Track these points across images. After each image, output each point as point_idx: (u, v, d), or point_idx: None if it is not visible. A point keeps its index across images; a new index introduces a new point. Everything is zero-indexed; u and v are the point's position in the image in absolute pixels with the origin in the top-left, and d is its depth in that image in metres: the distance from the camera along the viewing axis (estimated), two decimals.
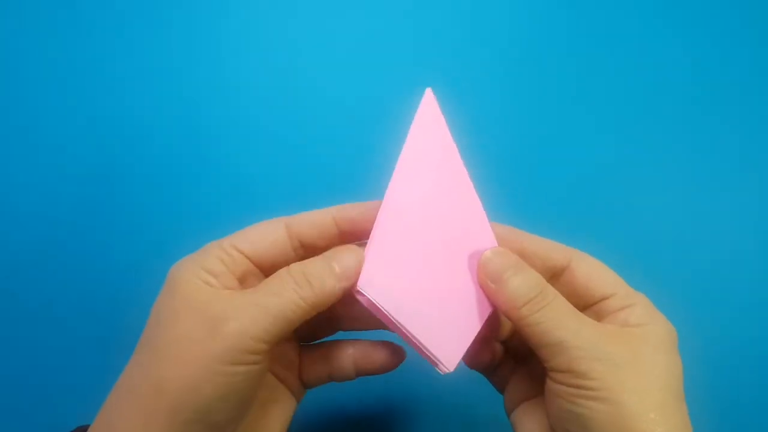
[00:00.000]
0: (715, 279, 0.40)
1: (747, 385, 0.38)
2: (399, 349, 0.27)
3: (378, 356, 0.26)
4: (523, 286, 0.23)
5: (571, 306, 0.24)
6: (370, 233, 0.25)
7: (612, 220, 0.42)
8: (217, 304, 0.21)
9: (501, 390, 0.29)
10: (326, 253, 0.24)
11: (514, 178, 0.42)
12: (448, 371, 0.25)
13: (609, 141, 0.44)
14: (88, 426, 0.22)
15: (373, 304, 0.23)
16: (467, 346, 0.25)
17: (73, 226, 0.40)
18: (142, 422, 0.20)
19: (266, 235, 0.24)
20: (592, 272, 0.25)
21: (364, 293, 0.23)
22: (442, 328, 0.25)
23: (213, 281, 0.22)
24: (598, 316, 0.25)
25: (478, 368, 0.29)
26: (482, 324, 0.26)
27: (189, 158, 0.42)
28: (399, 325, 0.24)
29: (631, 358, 0.22)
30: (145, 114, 0.43)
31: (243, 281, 0.24)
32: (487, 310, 0.26)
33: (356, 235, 0.25)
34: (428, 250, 0.25)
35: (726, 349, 0.39)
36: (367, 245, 0.24)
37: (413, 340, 0.24)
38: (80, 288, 0.39)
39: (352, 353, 0.27)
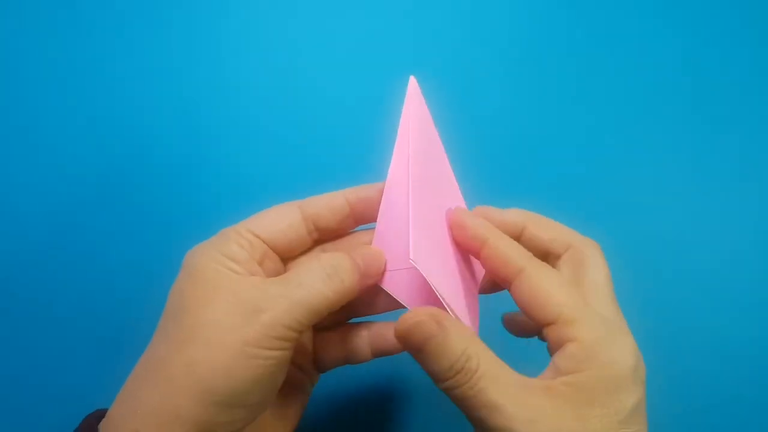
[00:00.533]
0: (715, 280, 0.40)
1: (748, 387, 0.38)
2: None
3: (393, 336, 0.26)
4: (443, 362, 0.21)
5: (497, 369, 0.21)
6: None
7: (611, 219, 0.41)
8: (248, 291, 0.22)
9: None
10: (351, 249, 0.24)
11: (513, 176, 0.42)
12: None
13: (608, 140, 0.44)
14: (105, 410, 0.22)
15: (401, 283, 0.25)
16: (477, 314, 0.26)
17: (72, 227, 0.40)
18: (171, 402, 0.20)
19: (281, 219, 0.25)
20: (538, 291, 0.22)
21: (416, 266, 0.22)
22: (463, 301, 0.25)
23: (237, 268, 0.23)
24: (550, 349, 0.23)
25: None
26: (477, 295, 0.26)
27: (189, 158, 0.42)
28: (440, 298, 0.23)
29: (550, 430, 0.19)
30: (145, 114, 0.43)
31: (261, 264, 0.24)
32: (478, 283, 0.26)
33: (369, 216, 0.26)
34: (439, 227, 0.25)
35: (727, 350, 0.38)
36: (405, 221, 0.24)
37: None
38: (80, 288, 0.39)
39: (367, 334, 0.27)
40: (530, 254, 0.23)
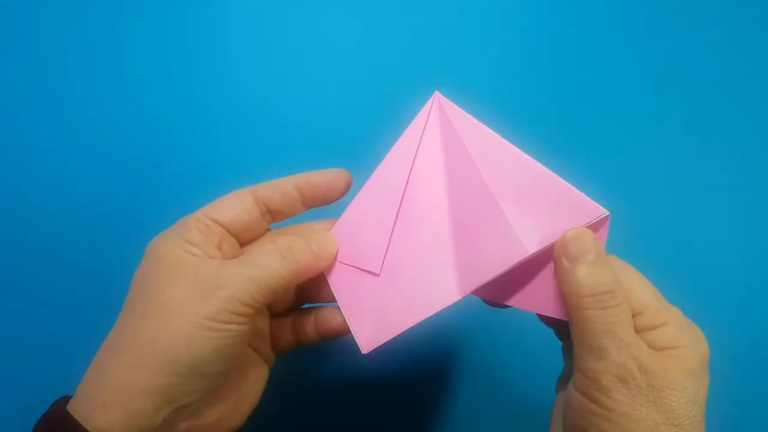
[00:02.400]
0: (723, 280, 0.39)
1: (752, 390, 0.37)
2: None
3: (335, 320, 0.28)
4: (596, 277, 0.22)
5: (630, 317, 0.22)
6: (328, 200, 0.27)
7: (619, 220, 0.40)
8: (206, 271, 0.23)
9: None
10: (305, 233, 0.27)
11: None
12: (363, 352, 0.26)
13: (614, 141, 0.43)
14: (70, 397, 0.23)
15: (344, 277, 0.27)
16: (390, 338, 0.26)
17: (71, 227, 0.40)
18: (136, 375, 0.22)
19: (236, 203, 0.26)
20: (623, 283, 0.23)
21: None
22: (374, 313, 0.26)
23: (196, 251, 0.24)
24: None
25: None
26: (416, 322, 0.26)
27: (187, 156, 0.42)
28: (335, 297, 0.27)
29: (652, 387, 0.21)
30: (145, 113, 0.42)
31: (219, 248, 0.26)
32: (425, 313, 0.26)
33: (316, 201, 0.27)
34: (389, 237, 0.26)
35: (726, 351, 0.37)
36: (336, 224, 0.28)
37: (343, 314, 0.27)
38: (77, 289, 0.38)
39: (313, 319, 0.29)
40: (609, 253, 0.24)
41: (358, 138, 0.40)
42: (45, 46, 0.43)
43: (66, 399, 0.23)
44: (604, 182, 0.40)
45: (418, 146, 0.26)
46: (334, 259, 0.27)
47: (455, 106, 0.26)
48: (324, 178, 0.27)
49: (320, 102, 0.43)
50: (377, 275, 0.26)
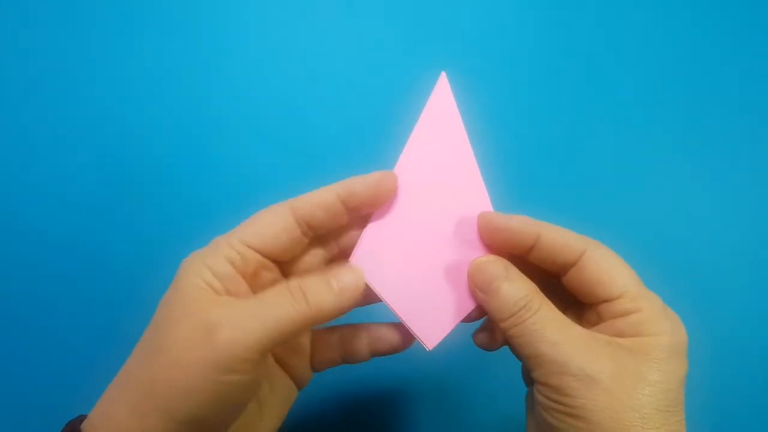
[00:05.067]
0: (721, 278, 0.40)
1: (750, 386, 0.38)
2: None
3: (391, 337, 0.27)
4: (507, 299, 0.23)
5: (558, 315, 0.23)
6: (376, 207, 0.26)
7: (622, 210, 0.41)
8: (213, 310, 0.21)
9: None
10: (326, 271, 0.24)
11: (524, 167, 0.42)
12: (428, 349, 0.26)
13: (622, 130, 0.43)
14: (85, 416, 0.22)
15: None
16: (451, 328, 0.26)
17: (71, 229, 0.39)
18: (138, 418, 0.21)
19: (274, 224, 0.24)
20: (603, 270, 0.24)
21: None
22: (428, 309, 0.26)
23: (216, 284, 0.22)
24: (601, 318, 0.25)
25: (483, 348, 0.29)
26: (471, 309, 0.26)
27: (190, 157, 0.41)
28: (385, 302, 0.26)
29: (612, 373, 0.21)
30: (145, 113, 0.42)
31: (256, 276, 0.24)
32: (464, 301, 0.26)
33: (363, 209, 0.25)
34: (427, 233, 0.26)
35: (730, 348, 0.38)
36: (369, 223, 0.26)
37: (397, 316, 0.26)
38: (79, 290, 0.38)
39: (366, 335, 0.28)
40: (584, 236, 0.25)
41: (369, 128, 0.41)
42: (52, 51, 0.43)
43: (82, 419, 0.22)
44: (607, 171, 0.41)
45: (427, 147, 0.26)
46: (362, 294, 0.25)
47: (451, 99, 0.26)
48: (367, 184, 0.24)
49: (325, 96, 0.43)
50: (422, 271, 0.26)
